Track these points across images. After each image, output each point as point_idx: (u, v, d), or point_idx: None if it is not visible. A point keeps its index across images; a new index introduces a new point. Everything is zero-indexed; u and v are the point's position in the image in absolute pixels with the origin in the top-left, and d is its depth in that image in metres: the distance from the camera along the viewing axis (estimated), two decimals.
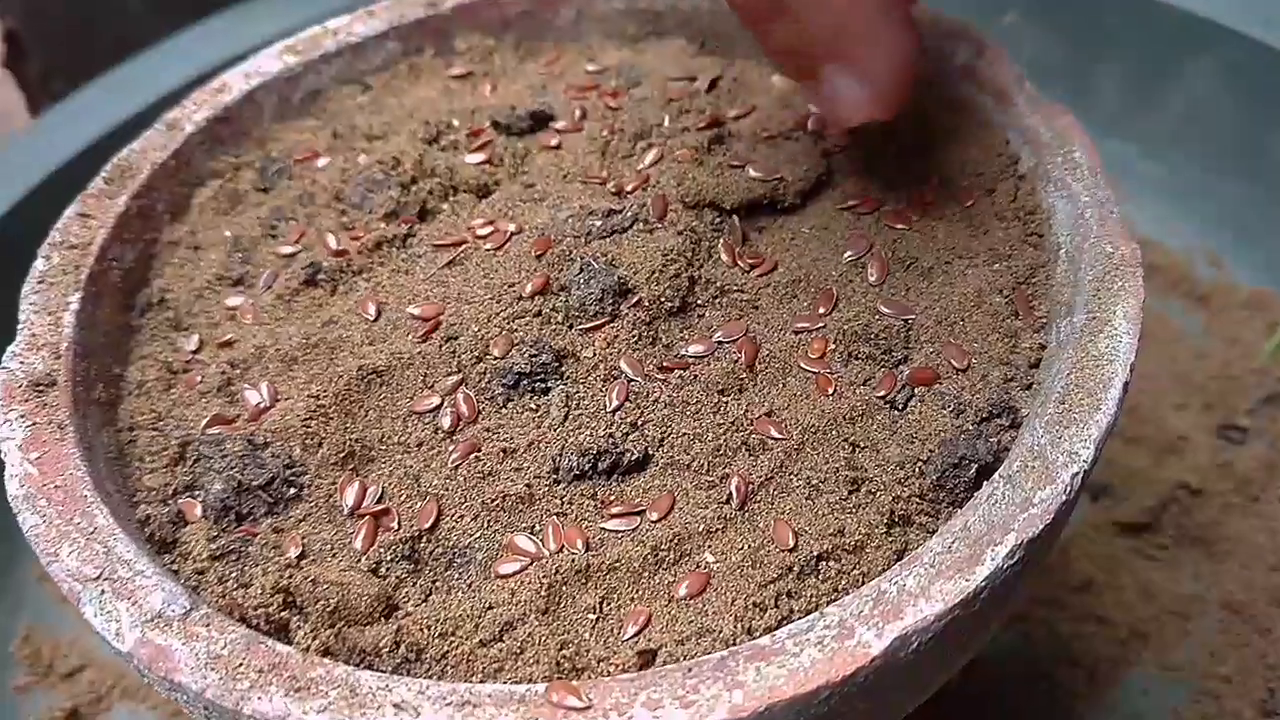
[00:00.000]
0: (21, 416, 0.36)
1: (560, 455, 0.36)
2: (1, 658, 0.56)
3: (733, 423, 0.36)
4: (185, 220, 0.45)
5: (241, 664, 0.30)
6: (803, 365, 0.37)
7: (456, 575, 0.34)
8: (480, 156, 0.45)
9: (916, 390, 0.36)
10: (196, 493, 0.37)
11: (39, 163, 0.64)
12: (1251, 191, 0.68)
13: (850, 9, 0.33)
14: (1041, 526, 0.30)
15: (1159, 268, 0.69)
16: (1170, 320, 0.67)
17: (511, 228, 0.42)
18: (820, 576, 0.33)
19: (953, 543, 0.31)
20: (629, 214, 0.41)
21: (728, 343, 0.38)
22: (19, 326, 0.39)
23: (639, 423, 0.36)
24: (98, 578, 0.33)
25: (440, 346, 0.38)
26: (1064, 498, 0.31)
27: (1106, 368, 0.33)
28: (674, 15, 0.50)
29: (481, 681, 0.31)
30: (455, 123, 0.47)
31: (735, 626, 0.31)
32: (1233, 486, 0.59)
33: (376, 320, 0.40)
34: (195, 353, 0.41)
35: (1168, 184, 0.72)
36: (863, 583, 0.32)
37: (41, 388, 0.37)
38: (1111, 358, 0.34)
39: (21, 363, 0.38)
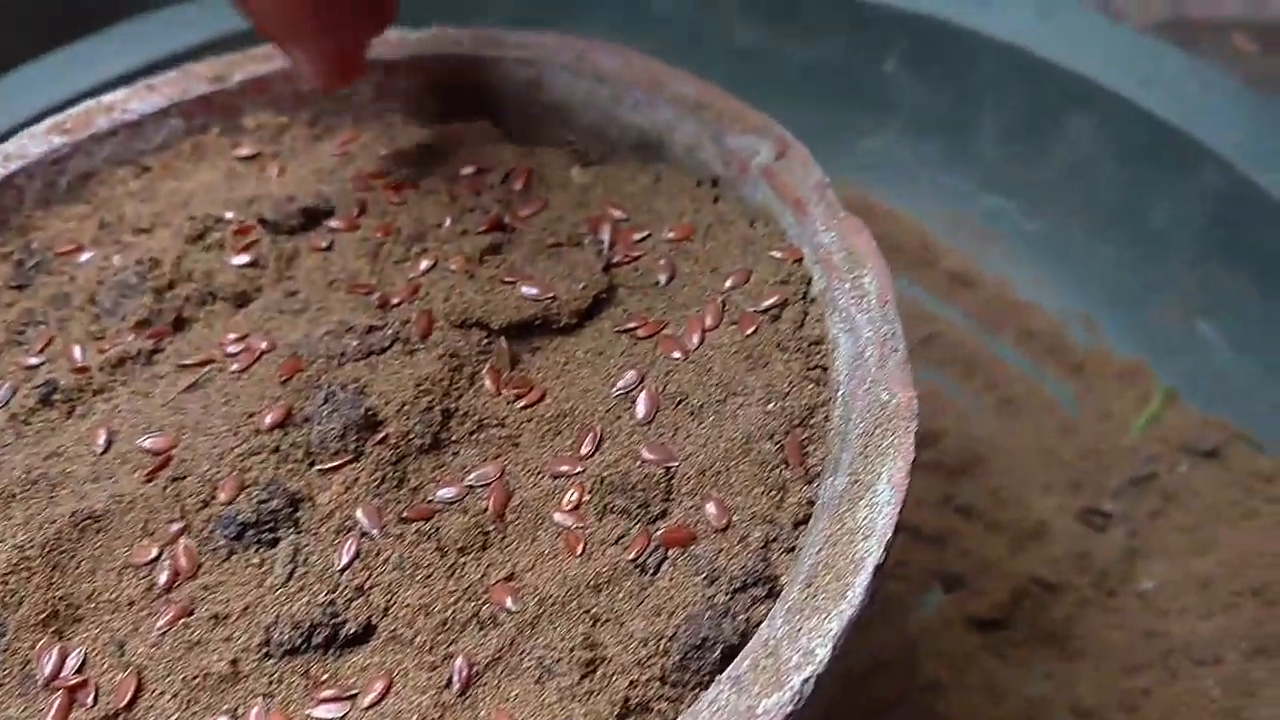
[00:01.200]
0: None
1: (275, 625, 0.32)
2: None
3: (466, 590, 0.33)
4: None
5: None
6: (555, 518, 0.34)
7: None
8: (245, 259, 0.41)
9: (670, 552, 0.33)
10: None
11: None
12: (1130, 255, 0.65)
13: (278, 10, 0.39)
14: None
15: (1034, 333, 0.66)
16: (1043, 390, 0.64)
17: (264, 345, 0.38)
18: None
19: None
20: (389, 332, 0.38)
21: (480, 487, 0.35)
22: None
23: (366, 586, 0.33)
24: None
25: (165, 488, 0.35)
26: (791, 708, 0.28)
27: (860, 545, 0.30)
28: (478, 94, 0.47)
29: None
30: (228, 215, 0.43)
31: None
32: (1090, 580, 0.56)
33: (105, 453, 0.36)
34: None
35: (1047, 243, 0.69)
36: None
37: None
38: (868, 532, 0.31)
39: None
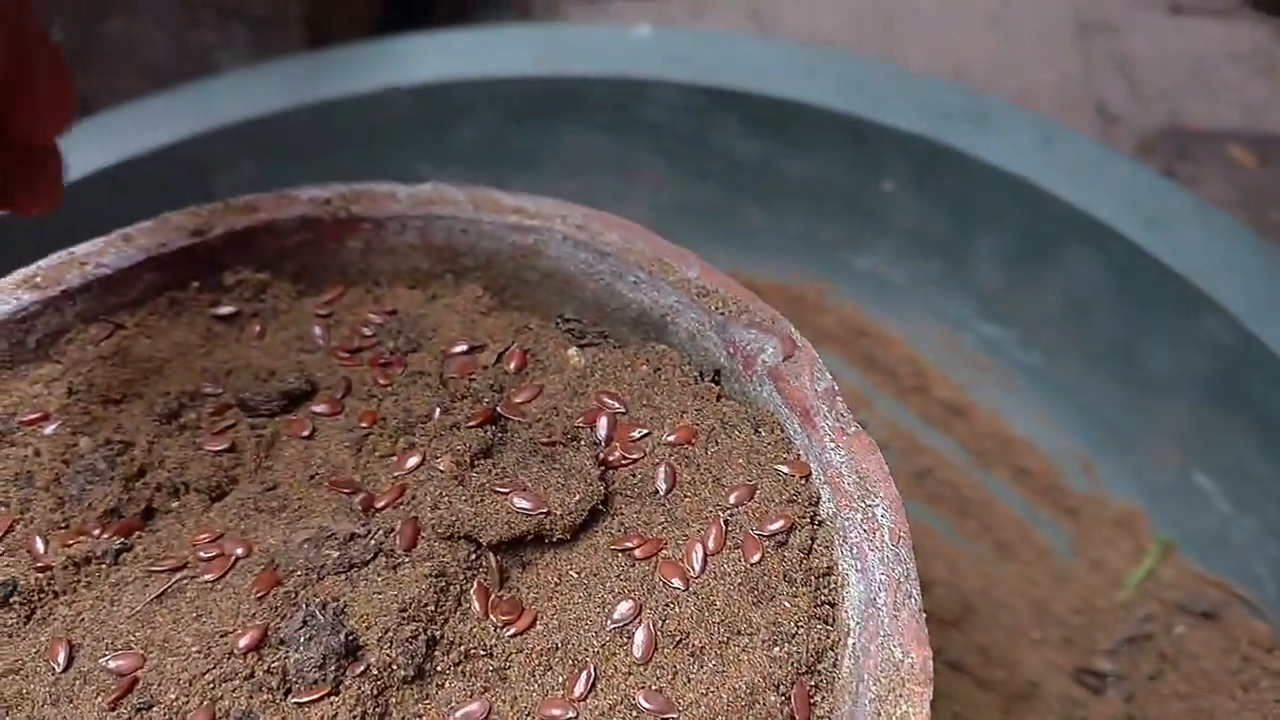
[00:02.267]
0: None
1: None
2: None
3: None
4: None
5: None
6: None
7: None
8: (221, 444, 0.39)
9: None
10: None
11: None
12: (1126, 396, 0.64)
13: None
14: None
15: (1029, 471, 0.65)
16: (1036, 534, 0.63)
17: (239, 550, 0.36)
18: None
19: None
20: (372, 542, 0.36)
21: None
22: None
23: None
24: None
25: (129, 718, 0.33)
26: None
27: None
28: (472, 256, 0.45)
29: None
30: (205, 390, 0.41)
31: None
32: None
33: (66, 670, 0.34)
34: None
35: (1045, 375, 0.67)
36: None
37: None
38: None
39: None
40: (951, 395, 0.68)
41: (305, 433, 0.39)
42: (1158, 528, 0.61)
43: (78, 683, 0.34)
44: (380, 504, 0.37)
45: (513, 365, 0.41)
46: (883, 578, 0.33)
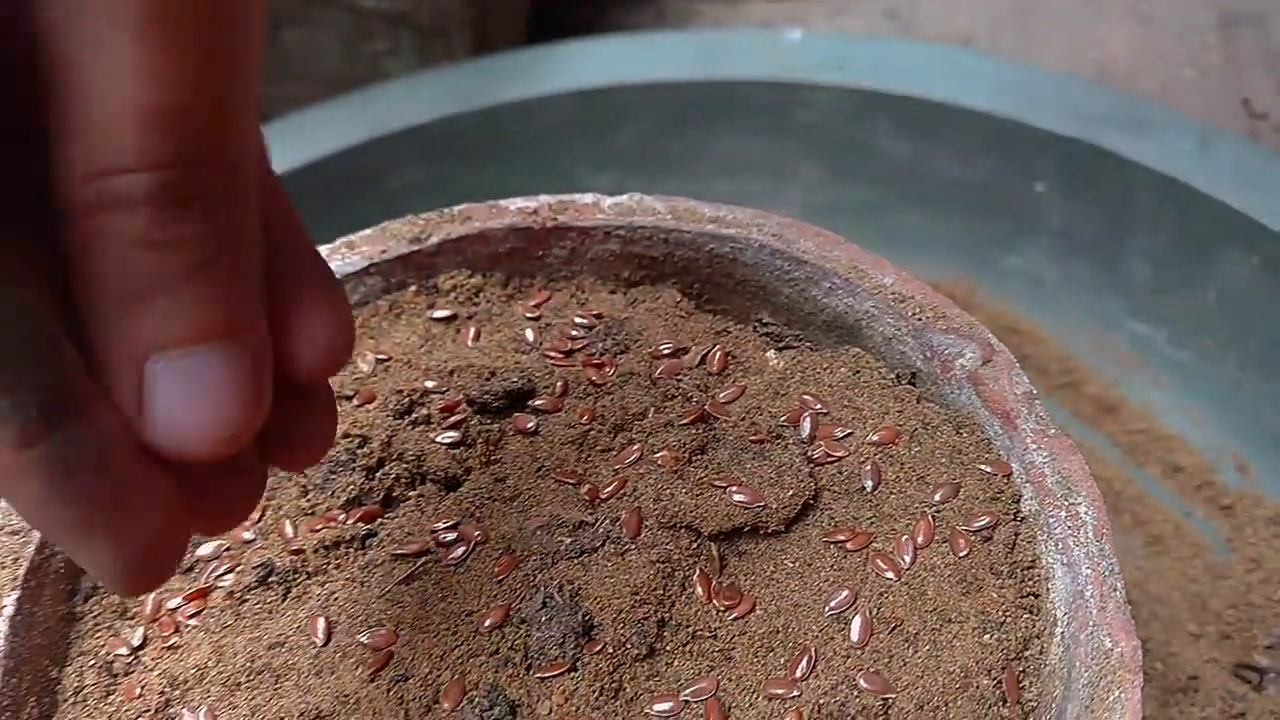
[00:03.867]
0: None
1: None
2: None
3: None
4: None
5: None
6: None
7: None
8: (453, 436, 0.42)
9: None
10: None
11: None
12: None
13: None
14: None
15: (1181, 468, 0.66)
16: (1190, 529, 0.64)
17: (477, 535, 0.39)
18: None
19: None
20: (600, 530, 0.39)
21: (695, 702, 0.36)
22: None
23: None
24: None
25: (389, 689, 0.36)
26: None
27: None
28: (670, 263, 0.48)
29: None
30: (430, 385, 0.44)
31: None
32: None
33: (326, 644, 0.38)
34: (139, 649, 0.39)
35: (1198, 374, 0.68)
36: None
37: None
38: None
39: None
40: (1102, 392, 0.69)
41: (530, 426, 0.42)
42: None
43: (337, 655, 0.37)
44: (604, 495, 0.40)
45: (715, 367, 0.44)
46: (1089, 572, 0.35)
